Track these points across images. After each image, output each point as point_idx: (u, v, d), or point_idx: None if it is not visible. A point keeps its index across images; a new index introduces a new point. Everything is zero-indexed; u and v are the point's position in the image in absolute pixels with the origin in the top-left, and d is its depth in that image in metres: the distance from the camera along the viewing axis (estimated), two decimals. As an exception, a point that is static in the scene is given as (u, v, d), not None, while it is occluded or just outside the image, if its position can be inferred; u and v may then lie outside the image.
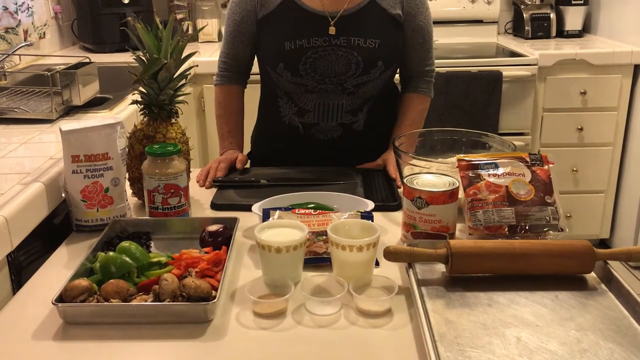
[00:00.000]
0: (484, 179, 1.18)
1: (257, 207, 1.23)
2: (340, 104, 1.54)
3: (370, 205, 1.26)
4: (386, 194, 1.40)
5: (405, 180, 1.16)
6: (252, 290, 0.96)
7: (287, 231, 1.04)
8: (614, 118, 2.82)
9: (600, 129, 2.83)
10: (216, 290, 0.95)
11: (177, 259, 1.04)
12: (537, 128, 2.82)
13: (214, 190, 1.43)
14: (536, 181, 1.18)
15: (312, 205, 1.27)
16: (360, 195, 1.38)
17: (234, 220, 1.18)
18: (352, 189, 1.42)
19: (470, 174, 1.20)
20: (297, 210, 1.17)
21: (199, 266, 1.01)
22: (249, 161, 1.67)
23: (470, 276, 1.03)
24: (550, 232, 1.14)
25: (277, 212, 1.16)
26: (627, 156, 2.87)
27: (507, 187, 1.17)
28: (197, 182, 1.48)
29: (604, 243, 3.03)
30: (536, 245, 1.03)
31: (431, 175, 1.19)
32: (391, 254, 1.02)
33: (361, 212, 1.17)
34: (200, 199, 1.39)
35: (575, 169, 2.84)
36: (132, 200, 1.34)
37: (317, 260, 1.08)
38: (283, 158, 1.61)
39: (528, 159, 1.21)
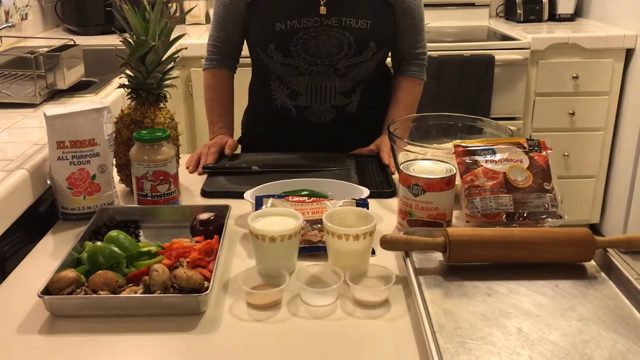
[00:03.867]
0: (481, 166, 1.16)
1: (249, 195, 1.20)
2: (333, 85, 1.51)
3: (365, 192, 1.23)
4: (380, 181, 1.37)
5: (401, 167, 1.13)
6: (246, 280, 0.94)
7: (281, 220, 1.01)
8: (606, 103, 2.81)
9: (592, 114, 2.82)
10: (208, 281, 0.92)
11: (167, 248, 1.01)
12: (529, 113, 2.80)
13: (205, 176, 1.40)
14: (534, 167, 1.16)
15: (306, 193, 1.24)
16: (354, 181, 1.35)
17: (226, 208, 1.15)
18: (345, 175, 1.39)
19: (467, 160, 1.17)
20: (290, 197, 1.14)
21: (190, 256, 0.97)
22: (239, 146, 1.63)
23: (468, 265, 1.01)
24: (549, 219, 1.13)
25: (270, 199, 1.12)
26: (618, 141, 2.86)
27: (504, 173, 1.14)
28: (187, 168, 1.45)
29: (594, 228, 3.03)
30: (535, 233, 1.01)
31: (427, 162, 1.16)
32: (388, 243, 1.00)
33: (356, 200, 1.15)
34: (190, 186, 1.36)
35: (566, 153, 2.83)
36: (119, 187, 1.30)
37: (312, 250, 1.06)
38: (276, 143, 1.58)
39: (526, 145, 1.19)
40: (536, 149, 1.19)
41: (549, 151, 1.19)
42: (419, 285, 0.95)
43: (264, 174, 1.38)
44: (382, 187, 1.33)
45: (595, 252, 1.01)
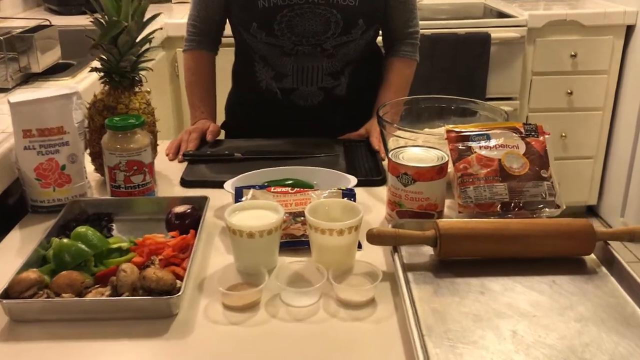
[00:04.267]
0: (475, 152, 1.09)
1: (229, 185, 1.13)
2: (320, 66, 1.43)
3: (352, 181, 1.16)
4: (370, 167, 1.30)
5: (390, 155, 1.07)
6: (223, 279, 0.87)
7: (261, 213, 0.95)
8: (605, 81, 2.73)
9: (590, 93, 2.75)
10: (182, 280, 0.86)
11: (139, 244, 0.95)
12: (526, 92, 2.73)
13: (185, 164, 1.33)
14: (531, 154, 1.10)
15: (290, 182, 1.17)
16: (342, 169, 1.28)
17: (204, 200, 1.08)
18: (333, 162, 1.32)
19: (460, 147, 1.10)
20: (272, 188, 1.07)
21: (164, 253, 0.91)
22: (222, 132, 1.56)
23: (460, 260, 0.95)
24: (546, 209, 1.06)
25: (251, 190, 1.06)
26: (616, 121, 2.79)
27: (499, 160, 1.08)
28: (167, 155, 1.38)
29: (591, 209, 2.98)
30: (532, 226, 0.95)
31: (418, 149, 1.09)
32: (375, 237, 0.93)
33: (343, 190, 1.08)
34: (170, 174, 1.29)
35: (564, 134, 2.76)
36: (94, 177, 1.24)
37: (295, 244, 0.99)
38: (261, 127, 1.51)
39: (522, 130, 1.12)
40: (533, 134, 1.12)
41: (546, 136, 1.13)
42: (407, 283, 0.89)
43: (247, 162, 1.32)
44: (372, 175, 1.26)
45: (596, 245, 0.95)
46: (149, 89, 2.19)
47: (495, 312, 0.83)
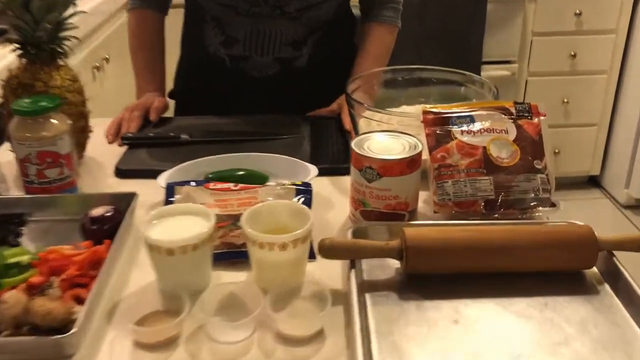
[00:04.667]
0: (456, 138, 0.91)
1: (163, 178, 0.96)
2: (279, 32, 1.23)
3: (312, 171, 0.99)
4: (338, 152, 1.12)
5: (352, 144, 0.89)
6: (137, 306, 0.71)
7: (188, 221, 0.78)
8: (611, 42, 2.52)
9: (596, 55, 2.54)
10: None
11: (42, 258, 0.78)
12: (525, 55, 2.52)
13: (125, 149, 1.15)
14: (523, 139, 0.92)
15: (242, 173, 1.00)
16: (306, 154, 1.10)
17: (131, 197, 0.91)
18: (296, 145, 1.14)
19: (438, 131, 0.92)
20: (212, 184, 0.90)
21: (67, 272, 0.74)
22: (172, 103, 1.38)
23: (432, 274, 0.78)
24: (539, 207, 0.89)
25: (185, 188, 0.89)
26: (623, 85, 2.59)
27: (484, 148, 0.90)
28: (107, 137, 1.20)
29: (593, 179, 2.81)
30: (520, 234, 0.78)
31: (387, 135, 0.91)
32: (328, 250, 0.76)
33: (297, 186, 0.91)
34: (106, 162, 1.11)
35: (566, 99, 2.56)
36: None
37: (235, 256, 0.82)
38: (212, 99, 1.32)
39: (513, 110, 0.94)
40: (526, 114, 0.94)
41: (542, 118, 0.94)
42: (363, 308, 0.72)
43: (196, 145, 1.14)
44: (339, 161, 1.09)
45: (599, 256, 0.78)
46: (107, 55, 2.01)
47: (470, 351, 0.66)
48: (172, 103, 1.41)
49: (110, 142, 1.19)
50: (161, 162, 1.09)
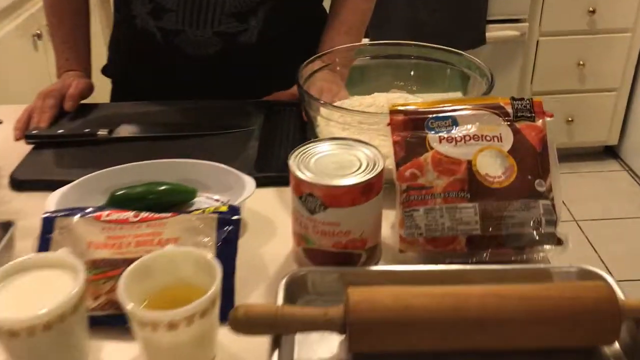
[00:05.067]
0: (432, 148, 0.69)
1: (55, 199, 0.74)
2: (219, 1, 0.99)
3: (248, 187, 0.76)
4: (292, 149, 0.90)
5: (291, 160, 0.66)
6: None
7: (48, 279, 0.56)
8: (636, -4, 2.23)
9: (617, 11, 2.24)
10: None
11: None
12: (537, 12, 2.22)
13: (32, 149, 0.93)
14: (521, 150, 0.69)
15: (165, 187, 0.78)
16: (252, 155, 0.88)
17: (7, 228, 0.70)
18: (243, 142, 0.92)
19: (408, 138, 0.70)
20: (106, 213, 0.68)
21: None
22: (106, 85, 1.15)
23: (387, 355, 0.57)
24: (542, 246, 0.67)
25: (69, 219, 0.67)
26: (647, 45, 2.31)
27: (469, 163, 0.67)
28: (14, 132, 0.98)
29: (611, 150, 2.55)
30: (512, 301, 0.56)
31: (336, 145, 0.68)
32: (242, 325, 0.55)
33: (220, 213, 0.69)
34: (7, 165, 0.90)
35: (581, 62, 2.29)
36: None
37: (125, 321, 0.61)
38: (149, 82, 1.09)
39: (509, 109, 0.71)
40: (526, 115, 0.71)
41: (547, 119, 0.71)
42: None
43: (118, 145, 0.92)
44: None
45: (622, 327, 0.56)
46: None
47: None
48: (104, 83, 1.18)
49: (16, 139, 0.97)
50: (70, 169, 0.88)
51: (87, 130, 0.94)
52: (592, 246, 2.04)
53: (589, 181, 2.39)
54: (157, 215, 0.68)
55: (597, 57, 2.29)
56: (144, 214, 0.68)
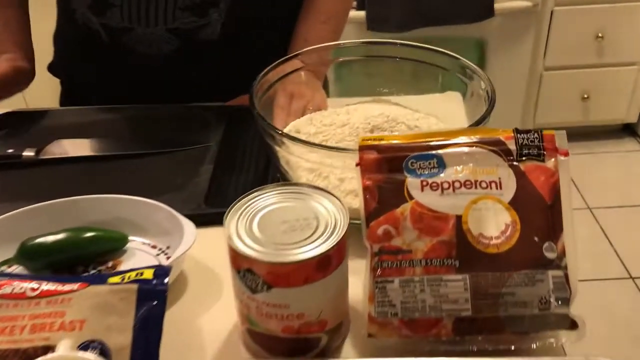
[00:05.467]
0: (412, 197, 0.53)
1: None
2: None
3: (188, 234, 0.62)
4: (255, 179, 0.75)
5: (227, 220, 0.51)
6: None
7: None
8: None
9: (640, -24, 2.04)
10: None
11: None
12: (552, -21, 2.03)
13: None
14: (526, 201, 0.53)
15: (92, 234, 0.65)
16: (204, 182, 0.74)
17: None
18: (196, 162, 0.77)
19: (382, 183, 0.55)
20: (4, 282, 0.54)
21: None
22: (55, 86, 1.00)
23: None
24: (551, 330, 0.52)
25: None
26: (673, 14, 2.10)
27: (458, 219, 0.52)
28: None
29: (629, 128, 2.37)
30: None
31: (292, 195, 0.54)
32: None
33: (142, 282, 0.54)
34: None
35: (600, 34, 2.09)
36: None
37: None
38: (97, 84, 0.94)
39: (512, 145, 0.55)
40: (534, 154, 0.55)
41: (561, 158, 0.55)
42: None
43: (48, 167, 0.77)
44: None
45: None
46: None
47: None
48: (52, 84, 1.03)
49: None
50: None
51: (10, 151, 0.79)
52: (607, 238, 1.88)
53: (605, 163, 2.22)
54: (61, 287, 0.54)
55: (617, 28, 2.09)
56: (44, 286, 0.54)
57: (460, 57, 0.73)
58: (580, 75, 2.16)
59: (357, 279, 0.55)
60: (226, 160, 0.78)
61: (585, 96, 2.19)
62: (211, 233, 0.67)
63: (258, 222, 0.51)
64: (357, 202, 0.54)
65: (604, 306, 1.67)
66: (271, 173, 0.75)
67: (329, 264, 0.49)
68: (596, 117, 2.25)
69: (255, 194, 0.54)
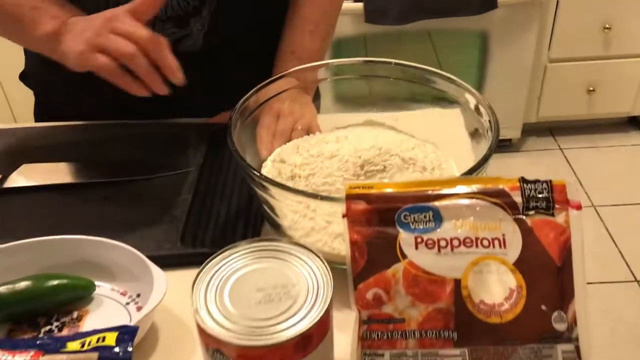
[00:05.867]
0: (405, 256, 0.48)
1: None
2: None
3: (158, 286, 0.56)
4: (239, 213, 0.69)
5: (194, 287, 0.46)
6: None
7: None
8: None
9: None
10: None
11: None
12: (558, -33, 1.95)
13: None
14: (533, 262, 0.47)
15: (55, 283, 0.59)
16: (182, 212, 0.68)
17: None
18: (171, 192, 0.71)
19: (372, 239, 0.49)
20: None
21: None
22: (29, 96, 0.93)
23: None
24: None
25: None
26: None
27: (457, 283, 0.46)
28: None
29: (635, 121, 2.30)
30: None
31: (269, 255, 0.48)
32: None
33: (100, 350, 0.49)
34: None
35: (607, 25, 2.01)
36: None
37: None
38: (74, 99, 0.88)
39: (518, 196, 0.49)
40: (542, 206, 0.49)
41: (573, 212, 0.49)
42: None
43: (13, 197, 0.71)
44: (235, 236, 0.65)
45: None
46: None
47: None
48: (26, 94, 0.96)
49: None
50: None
51: (-30, 179, 0.73)
52: (612, 238, 1.83)
53: (610, 157, 2.15)
54: (10, 358, 0.48)
55: (625, 19, 2.01)
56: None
57: (457, 79, 0.67)
58: (586, 68, 2.08)
59: (345, 335, 0.49)
60: (206, 189, 0.72)
61: (591, 89, 2.11)
62: (187, 276, 0.61)
63: (230, 290, 0.45)
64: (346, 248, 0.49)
65: (608, 311, 1.62)
66: (255, 203, 0.69)
67: (309, 343, 0.43)
68: (601, 110, 2.18)
69: (228, 252, 0.48)
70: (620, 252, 1.78)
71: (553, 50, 2.05)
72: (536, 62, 2.05)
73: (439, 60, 1.96)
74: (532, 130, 2.26)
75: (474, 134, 0.64)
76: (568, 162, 2.16)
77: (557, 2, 1.96)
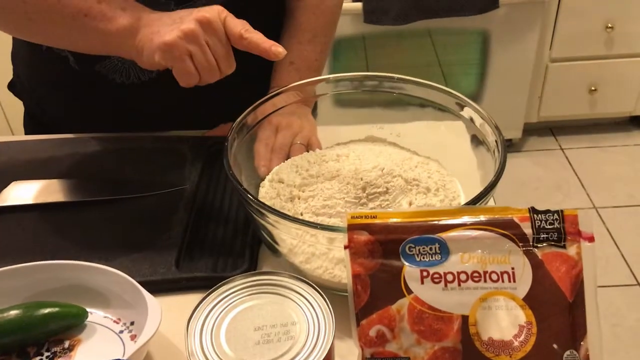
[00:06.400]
0: (411, 291, 0.45)
1: None
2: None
3: (152, 317, 0.54)
4: (236, 233, 0.66)
5: (189, 326, 0.43)
6: None
7: None
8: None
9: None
10: None
11: None
12: (560, -34, 1.92)
13: None
14: (544, 297, 0.45)
15: (46, 311, 0.57)
16: (177, 234, 0.66)
17: None
18: (166, 212, 0.69)
19: (376, 272, 0.46)
20: None
21: None
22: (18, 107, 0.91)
23: None
24: None
25: None
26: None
27: (465, 320, 0.44)
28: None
29: (637, 120, 2.28)
30: None
31: (268, 290, 0.45)
32: None
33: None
34: None
35: (610, 25, 1.98)
36: None
37: None
38: (61, 110, 0.85)
39: (528, 229, 0.47)
40: (553, 238, 0.47)
41: (585, 244, 0.47)
42: None
43: (5, 217, 0.69)
44: (233, 265, 0.63)
45: None
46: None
47: None
48: (15, 104, 0.94)
49: None
50: None
51: (-42, 199, 0.71)
52: (614, 240, 1.81)
53: (612, 158, 2.13)
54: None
55: (628, 18, 1.98)
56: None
57: (461, 95, 0.64)
58: (588, 67, 2.06)
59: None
60: (203, 207, 0.70)
61: (593, 89, 2.09)
62: (183, 302, 0.60)
63: (226, 330, 0.43)
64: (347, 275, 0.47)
65: (609, 315, 1.60)
66: (253, 224, 0.67)
67: (308, 389, 0.41)
68: (603, 110, 2.16)
69: (223, 288, 0.46)
70: (622, 254, 1.76)
71: (555, 50, 2.02)
72: (538, 62, 2.03)
73: (439, 60, 1.93)
74: (533, 130, 2.24)
75: (477, 143, 0.62)
76: (569, 162, 2.14)
77: (559, 1, 1.93)
